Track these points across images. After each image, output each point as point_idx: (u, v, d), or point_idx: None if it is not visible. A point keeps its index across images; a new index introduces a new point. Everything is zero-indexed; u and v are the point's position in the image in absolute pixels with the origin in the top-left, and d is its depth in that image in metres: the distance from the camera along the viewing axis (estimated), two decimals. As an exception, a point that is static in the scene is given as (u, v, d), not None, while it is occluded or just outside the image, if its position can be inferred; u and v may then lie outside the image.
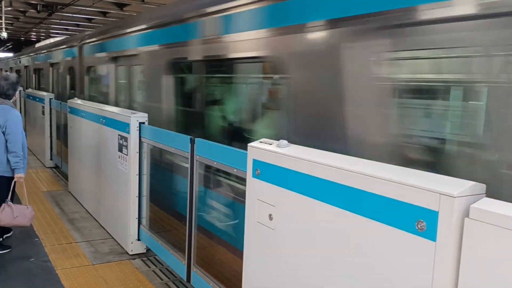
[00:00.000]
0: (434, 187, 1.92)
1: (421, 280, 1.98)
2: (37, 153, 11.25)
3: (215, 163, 3.76)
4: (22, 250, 5.42)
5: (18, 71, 18.15)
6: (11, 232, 5.82)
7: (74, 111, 7.54)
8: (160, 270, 5.00)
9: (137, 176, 5.28)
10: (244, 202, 3.14)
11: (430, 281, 1.94)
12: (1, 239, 5.45)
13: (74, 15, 19.17)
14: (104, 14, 19.30)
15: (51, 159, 10.34)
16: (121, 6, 17.38)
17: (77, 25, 23.41)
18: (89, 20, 21.40)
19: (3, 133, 5.11)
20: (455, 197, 1.83)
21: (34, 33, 30.45)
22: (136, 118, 5.23)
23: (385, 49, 2.66)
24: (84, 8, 17.20)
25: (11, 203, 5.07)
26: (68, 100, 8.01)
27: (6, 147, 5.10)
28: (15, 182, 5.19)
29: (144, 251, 5.45)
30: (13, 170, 5.12)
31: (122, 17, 17.88)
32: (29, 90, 12.83)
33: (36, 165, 10.42)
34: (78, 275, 4.80)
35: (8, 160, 5.10)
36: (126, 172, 5.34)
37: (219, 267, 4.06)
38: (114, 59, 7.40)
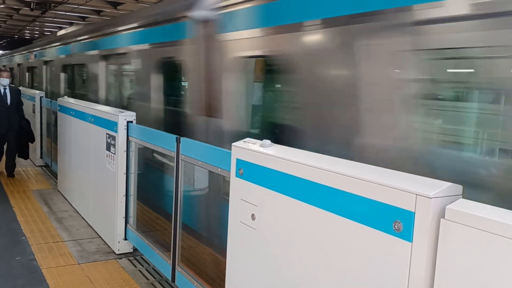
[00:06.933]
0: (410, 188, 1.91)
1: (398, 281, 1.97)
2: (27, 152, 11.17)
3: (199, 162, 3.74)
4: (7, 248, 5.39)
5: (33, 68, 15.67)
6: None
7: (63, 109, 7.51)
8: (146, 269, 4.98)
9: (125, 175, 5.26)
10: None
11: (407, 282, 1.93)
12: None
13: (67, 13, 19.12)
14: (98, 12, 19.26)
15: (41, 157, 10.29)
16: (115, 4, 17.36)
17: (71, 24, 23.33)
18: (83, 18, 21.35)
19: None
20: (431, 198, 1.83)
21: (28, 31, 30.34)
22: (124, 116, 5.20)
23: None
24: (77, 6, 17.14)
25: None
26: (58, 99, 7.97)
27: None
28: None
29: (131, 250, 5.42)
30: None
31: (116, 15, 17.82)
32: (21, 88, 12.73)
33: (26, 163, 10.34)
34: (64, 274, 4.77)
35: None
36: (114, 171, 5.31)
37: (204, 267, 4.04)
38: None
